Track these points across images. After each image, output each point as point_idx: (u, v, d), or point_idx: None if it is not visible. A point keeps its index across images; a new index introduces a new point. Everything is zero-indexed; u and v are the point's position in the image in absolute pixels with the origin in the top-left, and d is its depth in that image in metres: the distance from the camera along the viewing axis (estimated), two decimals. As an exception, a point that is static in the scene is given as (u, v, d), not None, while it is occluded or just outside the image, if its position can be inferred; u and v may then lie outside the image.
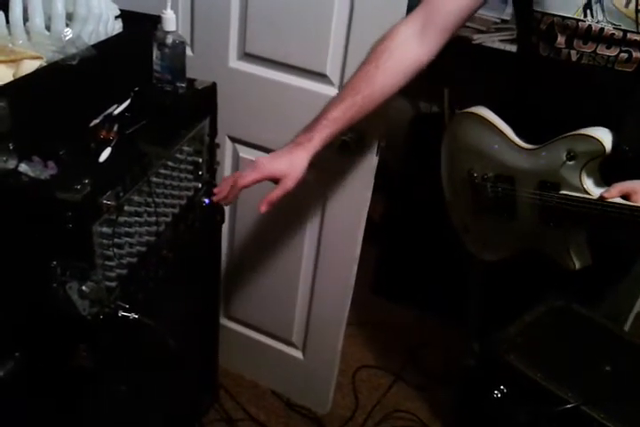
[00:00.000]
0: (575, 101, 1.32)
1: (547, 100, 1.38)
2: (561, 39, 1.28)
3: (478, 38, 2.21)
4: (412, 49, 1.34)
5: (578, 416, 1.13)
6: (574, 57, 1.28)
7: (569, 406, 1.13)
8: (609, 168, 1.30)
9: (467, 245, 1.60)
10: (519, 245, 1.49)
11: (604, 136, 1.26)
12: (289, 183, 1.30)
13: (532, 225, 1.42)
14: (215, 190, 1.38)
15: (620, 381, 1.20)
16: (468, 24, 2.25)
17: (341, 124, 1.32)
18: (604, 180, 1.31)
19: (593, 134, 1.26)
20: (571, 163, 1.30)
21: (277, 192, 1.30)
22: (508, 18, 2.24)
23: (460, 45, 2.23)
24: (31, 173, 1.10)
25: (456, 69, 2.35)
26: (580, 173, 1.29)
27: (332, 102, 1.33)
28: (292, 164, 1.30)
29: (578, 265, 1.38)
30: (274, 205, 1.30)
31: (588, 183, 1.30)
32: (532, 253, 1.45)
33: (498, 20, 2.24)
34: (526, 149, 1.38)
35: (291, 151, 1.31)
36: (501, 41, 2.19)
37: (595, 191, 1.29)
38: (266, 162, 1.31)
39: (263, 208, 1.29)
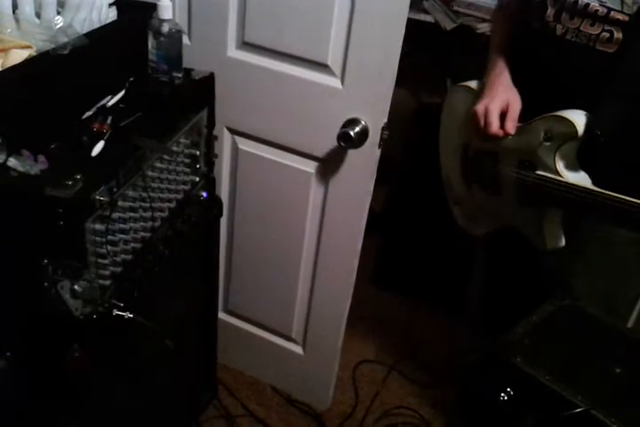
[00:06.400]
0: (556, 80, 1.37)
1: (534, 77, 1.43)
2: (550, 11, 1.33)
3: (482, 27, 2.17)
4: None
5: (588, 421, 1.10)
6: (559, 31, 1.33)
7: (578, 410, 1.10)
8: (585, 154, 1.34)
9: (457, 218, 1.67)
10: (501, 220, 1.54)
11: (579, 119, 1.30)
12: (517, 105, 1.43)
13: (511, 202, 1.47)
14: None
15: (631, 383, 1.17)
16: (472, 13, 2.21)
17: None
18: (582, 166, 1.35)
19: (568, 116, 1.31)
20: (547, 144, 1.35)
21: (515, 112, 1.41)
22: (512, 6, 2.20)
23: (462, 34, 2.19)
24: (20, 168, 1.07)
25: (458, 59, 2.31)
26: (555, 155, 1.34)
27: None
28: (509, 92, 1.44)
29: (549, 245, 1.42)
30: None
31: (561, 165, 1.35)
32: (509, 230, 1.51)
33: (502, 9, 2.19)
34: None
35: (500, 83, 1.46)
36: (506, 30, 2.15)
37: (567, 174, 1.34)
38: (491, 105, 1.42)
39: (510, 129, 1.40)
